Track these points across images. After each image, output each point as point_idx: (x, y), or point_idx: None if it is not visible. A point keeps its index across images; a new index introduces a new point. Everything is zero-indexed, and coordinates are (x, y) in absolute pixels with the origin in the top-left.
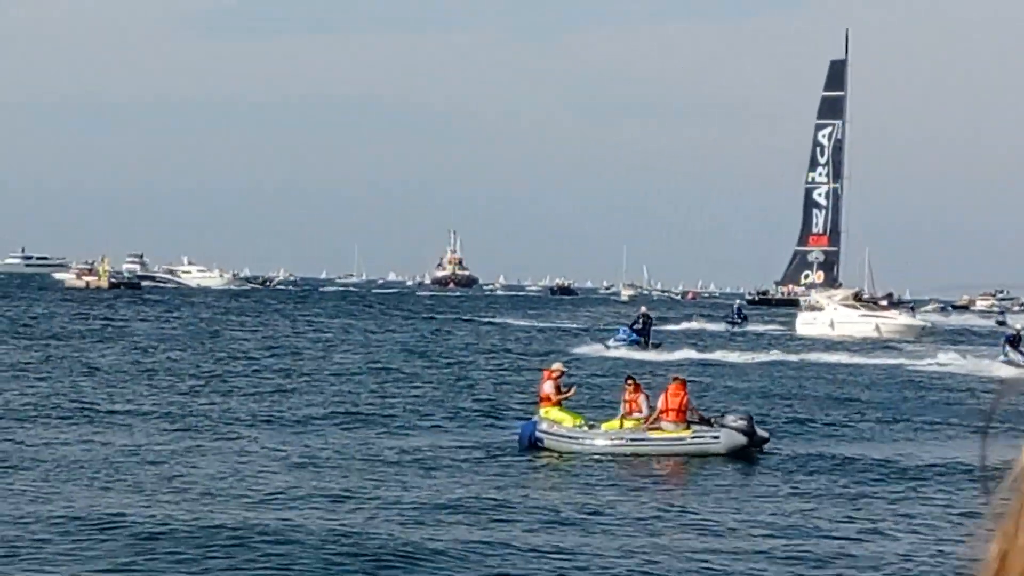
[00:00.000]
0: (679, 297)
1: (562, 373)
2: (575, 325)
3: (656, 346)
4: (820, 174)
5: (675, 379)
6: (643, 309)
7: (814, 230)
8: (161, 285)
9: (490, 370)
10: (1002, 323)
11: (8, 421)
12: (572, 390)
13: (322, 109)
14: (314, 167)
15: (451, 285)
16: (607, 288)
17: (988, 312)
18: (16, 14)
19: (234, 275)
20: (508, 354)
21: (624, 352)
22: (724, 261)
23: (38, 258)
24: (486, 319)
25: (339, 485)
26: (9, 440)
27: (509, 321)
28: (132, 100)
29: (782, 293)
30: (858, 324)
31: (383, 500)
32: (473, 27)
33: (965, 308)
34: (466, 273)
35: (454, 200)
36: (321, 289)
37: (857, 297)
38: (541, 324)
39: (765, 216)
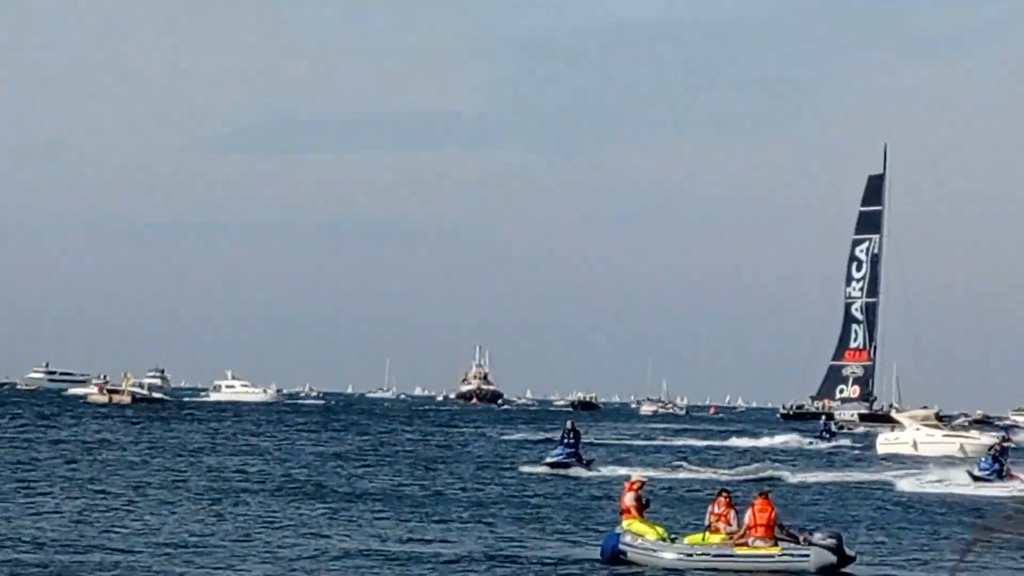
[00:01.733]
0: (683, 412)
1: (642, 485)
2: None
3: (589, 462)
4: (856, 289)
5: (761, 494)
6: (570, 423)
7: (851, 345)
8: (195, 400)
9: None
10: None
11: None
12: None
13: (348, 228)
14: (342, 284)
15: (475, 400)
16: (637, 402)
17: None
18: (34, 141)
19: (278, 391)
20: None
21: (563, 469)
22: (751, 375)
23: (62, 373)
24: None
25: None
26: None
27: (490, 433)
28: (154, 220)
29: (817, 407)
30: (942, 444)
31: None
32: (499, 144)
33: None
34: (491, 388)
35: (483, 316)
36: (355, 405)
37: (938, 417)
38: (521, 437)
39: (793, 330)
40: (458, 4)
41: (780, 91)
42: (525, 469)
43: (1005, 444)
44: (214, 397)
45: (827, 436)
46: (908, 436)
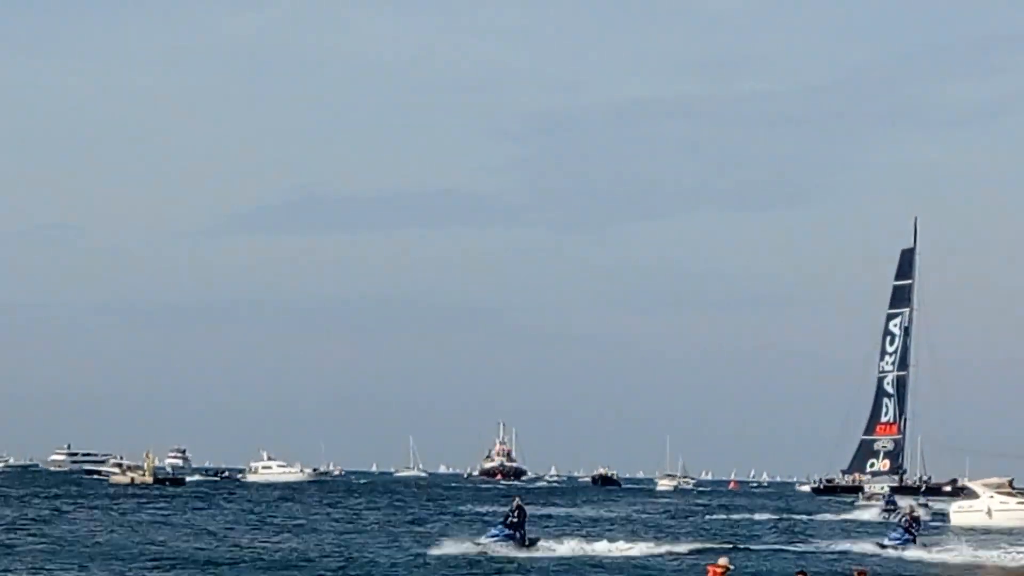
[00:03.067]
0: (691, 486)
1: (726, 569)
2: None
3: (532, 542)
4: (888, 363)
5: (859, 572)
6: (516, 501)
7: (882, 419)
8: (219, 479)
9: None
10: None
11: None
12: None
13: (368, 307)
14: (364, 363)
15: (499, 477)
16: (653, 478)
17: None
18: (51, 221)
19: (313, 470)
20: None
21: (502, 549)
22: (774, 449)
23: (84, 454)
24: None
25: None
26: None
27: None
28: (171, 301)
29: (848, 481)
30: (1018, 512)
31: None
32: (517, 222)
33: None
34: (514, 464)
35: (507, 393)
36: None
37: (1011, 485)
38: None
39: (817, 405)
40: (474, 85)
41: (796, 167)
42: (438, 551)
43: (915, 514)
44: (251, 478)
45: (892, 510)
46: (983, 504)
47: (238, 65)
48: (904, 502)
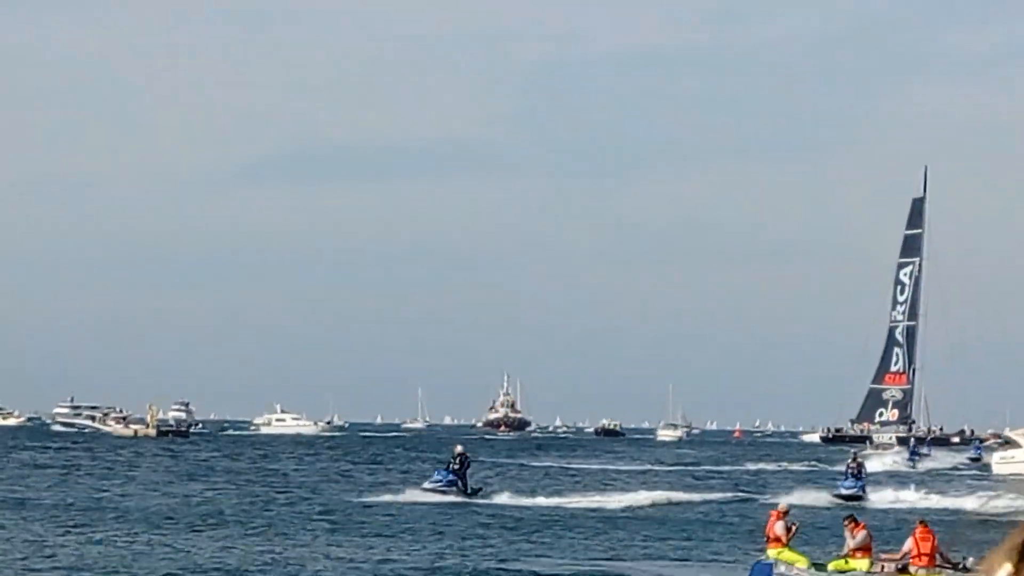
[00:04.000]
0: (686, 434)
1: (787, 512)
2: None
3: (476, 491)
4: (899, 312)
5: (921, 522)
6: (458, 448)
7: (892, 368)
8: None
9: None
10: None
11: None
12: (796, 527)
13: (372, 257)
14: (367, 311)
15: (502, 428)
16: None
17: None
18: (53, 174)
19: (328, 423)
20: None
21: (440, 496)
22: (783, 400)
23: (88, 407)
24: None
25: None
26: None
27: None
28: (168, 254)
29: (857, 430)
30: None
31: None
32: (518, 174)
33: None
34: (518, 416)
35: (514, 345)
36: (394, 434)
37: None
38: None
39: (827, 355)
40: (474, 34)
41: (805, 118)
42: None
43: (859, 460)
44: (265, 431)
45: (918, 457)
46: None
47: (235, 15)
48: (871, 452)
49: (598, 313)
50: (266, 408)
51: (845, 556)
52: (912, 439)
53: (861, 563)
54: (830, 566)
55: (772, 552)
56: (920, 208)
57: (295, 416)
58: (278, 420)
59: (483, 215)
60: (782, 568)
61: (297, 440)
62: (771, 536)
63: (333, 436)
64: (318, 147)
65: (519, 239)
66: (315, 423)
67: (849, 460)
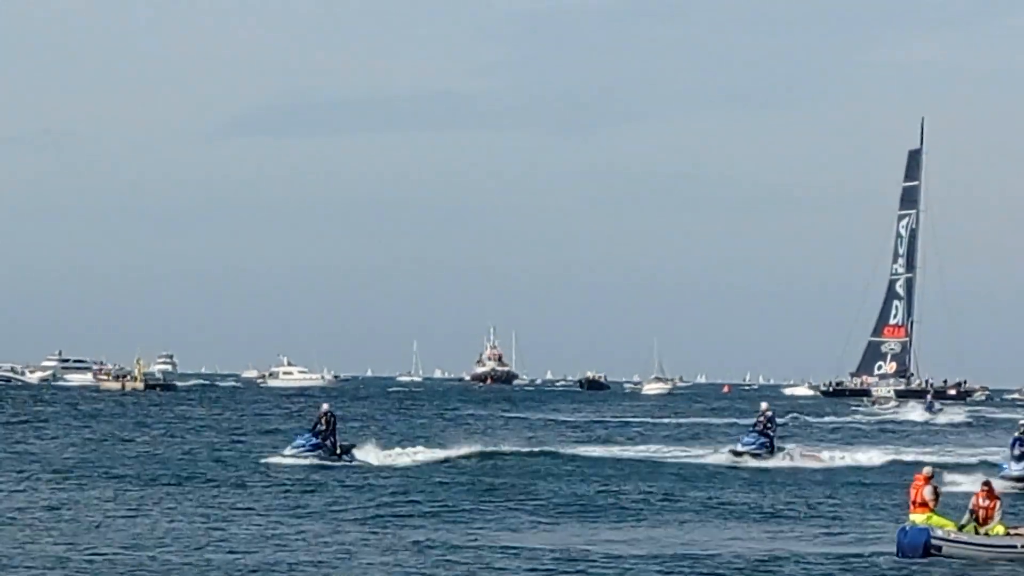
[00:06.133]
0: (673, 387)
1: (932, 475)
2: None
3: (346, 451)
4: (900, 265)
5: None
6: (325, 407)
7: (891, 321)
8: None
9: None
10: None
11: None
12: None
13: (361, 209)
14: (356, 265)
15: (489, 381)
16: (636, 382)
17: None
18: (42, 128)
19: (335, 376)
20: None
21: (310, 460)
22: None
23: (75, 360)
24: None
25: None
26: None
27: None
28: (158, 205)
29: (856, 384)
30: None
31: None
32: (504, 124)
33: None
34: (505, 369)
35: (505, 298)
36: (390, 389)
37: None
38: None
39: (809, 307)
40: None
41: (796, 67)
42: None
43: (768, 414)
44: (271, 383)
45: (936, 410)
46: None
47: None
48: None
49: (593, 266)
50: (240, 362)
51: (974, 523)
52: (930, 393)
53: (995, 528)
54: (981, 531)
55: (918, 516)
56: (917, 160)
57: (302, 369)
58: (285, 373)
59: (474, 166)
60: (940, 533)
61: (305, 393)
62: (917, 501)
63: (344, 389)
64: (306, 97)
65: (511, 189)
66: (322, 376)
67: (762, 412)
